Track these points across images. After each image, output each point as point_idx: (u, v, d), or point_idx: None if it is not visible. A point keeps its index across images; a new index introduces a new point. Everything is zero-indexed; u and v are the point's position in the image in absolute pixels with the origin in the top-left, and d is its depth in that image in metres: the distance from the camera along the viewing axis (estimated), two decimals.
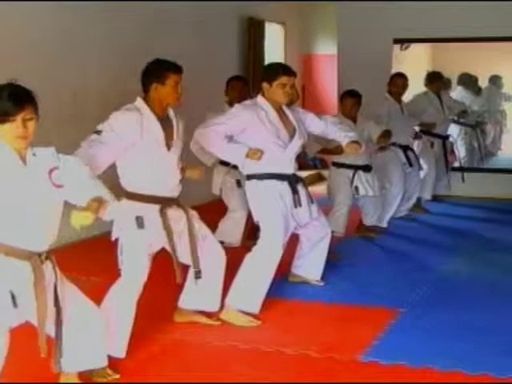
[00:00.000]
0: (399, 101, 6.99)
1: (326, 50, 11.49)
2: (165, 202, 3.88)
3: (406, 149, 7.07)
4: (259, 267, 4.45)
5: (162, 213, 3.84)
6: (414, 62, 8.74)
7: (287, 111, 4.62)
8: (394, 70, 8.60)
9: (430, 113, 7.53)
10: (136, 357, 3.80)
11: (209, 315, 4.34)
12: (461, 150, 8.82)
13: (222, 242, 5.33)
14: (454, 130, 8.59)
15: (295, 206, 4.56)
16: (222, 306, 4.37)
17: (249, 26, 9.61)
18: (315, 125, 4.82)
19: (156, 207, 3.84)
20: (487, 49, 8.49)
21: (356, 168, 6.11)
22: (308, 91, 11.48)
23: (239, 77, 5.90)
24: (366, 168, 6.17)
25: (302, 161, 6.05)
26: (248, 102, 4.66)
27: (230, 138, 4.45)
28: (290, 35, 11.27)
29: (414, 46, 8.86)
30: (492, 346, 3.98)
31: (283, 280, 4.98)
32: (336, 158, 6.13)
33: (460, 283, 5.25)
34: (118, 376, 3.56)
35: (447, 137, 8.02)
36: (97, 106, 6.46)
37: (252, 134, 4.42)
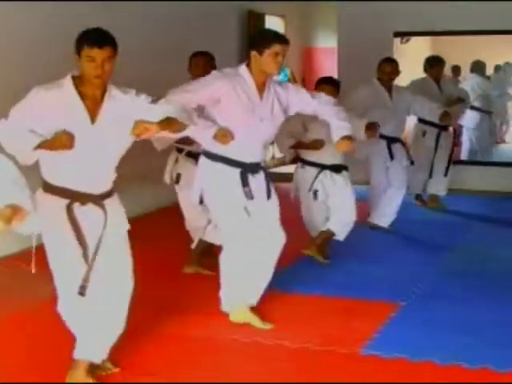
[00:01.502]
0: (389, 89, 6.41)
1: (326, 43, 11.47)
2: (76, 198, 3.29)
3: (391, 141, 6.44)
4: (236, 257, 4.16)
5: (69, 210, 3.26)
6: (415, 56, 8.71)
7: (275, 87, 4.15)
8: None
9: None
10: (137, 350, 3.80)
11: None
12: (475, 141, 8.86)
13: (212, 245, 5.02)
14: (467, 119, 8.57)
15: (246, 197, 4.10)
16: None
17: (249, 18, 9.59)
18: (306, 103, 4.25)
19: (62, 203, 3.27)
20: (488, 41, 8.47)
21: (322, 167, 5.36)
22: (308, 84, 11.43)
23: (203, 52, 5.27)
24: (335, 168, 5.40)
25: None
26: (228, 69, 4.17)
27: (201, 111, 4.01)
28: (290, 28, 11.24)
29: (414, 40, 8.85)
30: (492, 340, 3.99)
31: (283, 273, 4.97)
32: (306, 154, 5.38)
33: (460, 276, 5.24)
34: (117, 369, 3.56)
35: (444, 127, 7.27)
36: None
37: (225, 107, 4.00)
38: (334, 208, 5.42)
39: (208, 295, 4.37)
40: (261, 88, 4.07)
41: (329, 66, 10.89)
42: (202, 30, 8.17)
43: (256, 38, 4.13)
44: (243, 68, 4.08)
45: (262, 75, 4.05)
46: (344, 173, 5.45)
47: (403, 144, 6.63)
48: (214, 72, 4.16)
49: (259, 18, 9.88)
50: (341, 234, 5.49)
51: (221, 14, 8.92)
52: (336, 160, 5.36)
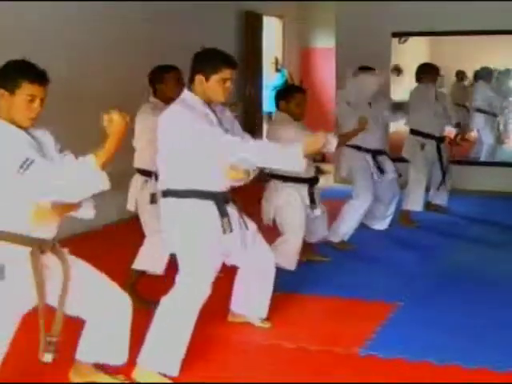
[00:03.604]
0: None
1: (324, 43, 11.47)
2: (37, 245, 2.95)
3: (376, 154, 6.14)
4: (179, 314, 3.54)
5: (33, 258, 2.92)
6: (414, 56, 8.71)
7: (218, 112, 3.65)
8: (393, 64, 8.63)
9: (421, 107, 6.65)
10: (136, 350, 3.79)
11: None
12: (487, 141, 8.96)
13: (143, 272, 4.57)
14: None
15: (224, 232, 3.60)
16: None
17: (247, 19, 9.59)
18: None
19: (24, 251, 2.91)
20: (488, 42, 8.48)
21: (309, 182, 5.05)
22: (306, 85, 11.45)
23: (173, 67, 4.68)
24: (316, 181, 5.20)
25: None
26: (178, 100, 3.60)
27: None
28: (288, 29, 11.26)
29: (413, 40, 8.85)
30: (490, 340, 3.99)
31: (281, 273, 4.97)
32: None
33: (459, 277, 5.24)
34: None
35: (442, 139, 7.01)
36: (92, 101, 6.44)
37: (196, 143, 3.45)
38: (323, 219, 5.34)
39: None
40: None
41: (327, 67, 10.89)
42: (200, 31, 8.16)
43: (202, 60, 3.57)
44: (188, 94, 3.58)
45: (208, 100, 3.57)
46: (317, 186, 5.23)
47: (388, 156, 6.32)
48: (179, 108, 3.52)
49: (257, 18, 9.88)
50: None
51: (218, 14, 8.92)
52: (312, 172, 5.13)
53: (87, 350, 3.32)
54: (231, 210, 3.66)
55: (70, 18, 6.39)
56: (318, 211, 5.13)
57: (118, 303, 3.24)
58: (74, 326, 3.28)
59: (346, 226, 5.98)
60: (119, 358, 3.35)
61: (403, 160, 6.94)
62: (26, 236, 2.90)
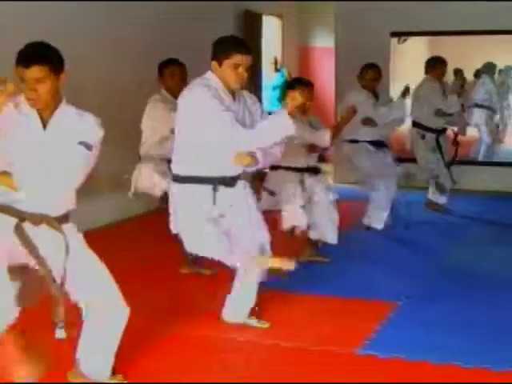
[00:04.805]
0: (374, 93, 6.38)
1: (323, 42, 11.48)
2: (25, 218, 2.98)
3: (378, 145, 6.40)
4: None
5: (18, 229, 2.96)
6: (413, 56, 8.72)
7: (240, 97, 3.79)
8: (392, 64, 8.64)
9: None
10: (136, 350, 3.80)
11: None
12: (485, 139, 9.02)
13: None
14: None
15: (214, 203, 3.73)
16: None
17: (246, 19, 9.59)
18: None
19: (11, 221, 2.98)
20: (487, 42, 8.49)
21: (306, 171, 5.21)
22: None
23: (178, 60, 4.97)
24: (315, 170, 5.34)
25: None
26: (200, 79, 3.73)
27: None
28: (287, 28, 11.27)
29: (412, 40, 8.86)
30: (489, 340, 3.99)
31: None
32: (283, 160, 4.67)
33: (459, 277, 5.25)
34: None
35: (443, 130, 7.21)
36: (93, 99, 6.44)
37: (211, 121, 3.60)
38: (321, 214, 5.31)
39: (203, 294, 4.36)
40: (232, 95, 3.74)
41: (326, 66, 10.90)
42: (198, 30, 8.16)
43: (215, 47, 3.70)
44: (211, 74, 3.70)
45: (226, 84, 3.69)
46: (320, 175, 5.35)
47: (387, 147, 6.52)
48: (199, 88, 3.64)
49: (256, 17, 9.88)
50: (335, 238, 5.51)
51: (217, 14, 8.91)
52: (314, 161, 5.24)
53: (81, 356, 3.31)
54: (236, 189, 3.77)
55: (70, 18, 6.40)
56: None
57: (114, 309, 3.22)
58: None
59: (382, 212, 6.33)
60: (102, 372, 3.32)
61: (409, 160, 7.02)
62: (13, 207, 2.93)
